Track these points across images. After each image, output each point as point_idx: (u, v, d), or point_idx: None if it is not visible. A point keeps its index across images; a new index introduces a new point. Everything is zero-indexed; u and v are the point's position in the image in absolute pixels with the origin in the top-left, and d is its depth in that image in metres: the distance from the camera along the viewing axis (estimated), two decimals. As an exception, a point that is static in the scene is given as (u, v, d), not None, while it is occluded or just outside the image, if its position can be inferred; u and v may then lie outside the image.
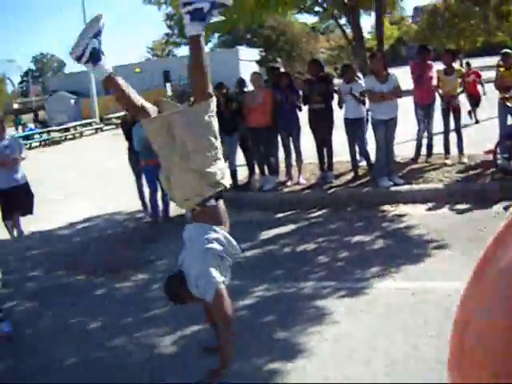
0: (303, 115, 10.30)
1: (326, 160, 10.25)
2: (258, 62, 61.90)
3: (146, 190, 9.68)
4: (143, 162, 9.22)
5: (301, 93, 10.25)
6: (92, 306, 6.25)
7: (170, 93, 28.84)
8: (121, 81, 3.92)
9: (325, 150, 10.20)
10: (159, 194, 9.49)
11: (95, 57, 3.75)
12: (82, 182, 14.22)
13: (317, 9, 17.45)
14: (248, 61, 56.76)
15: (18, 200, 9.36)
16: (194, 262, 3.80)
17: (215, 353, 4.10)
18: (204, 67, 3.99)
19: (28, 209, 9.58)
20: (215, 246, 3.83)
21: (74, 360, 5.08)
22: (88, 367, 4.89)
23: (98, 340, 5.35)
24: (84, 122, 36.64)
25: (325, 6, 15.42)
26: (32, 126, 41.28)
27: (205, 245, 3.79)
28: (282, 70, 12.27)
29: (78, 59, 3.73)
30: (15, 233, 9.69)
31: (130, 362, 4.77)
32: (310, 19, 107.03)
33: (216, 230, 3.88)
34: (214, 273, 3.79)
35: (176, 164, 3.91)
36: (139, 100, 3.96)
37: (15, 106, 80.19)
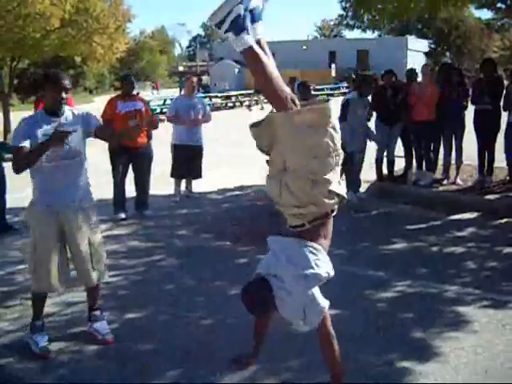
0: (468, 114, 9.96)
1: (486, 164, 9.88)
2: (426, 53, 60.46)
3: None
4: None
5: (470, 92, 9.93)
6: (233, 273, 6.38)
7: (333, 74, 28.71)
8: (264, 57, 3.23)
9: (486, 154, 9.82)
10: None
11: (237, 26, 3.12)
12: (237, 150, 14.54)
13: (499, 5, 16.66)
14: (416, 51, 55.59)
15: (191, 160, 9.81)
16: (296, 285, 3.45)
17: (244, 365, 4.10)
18: (272, 78, 3.23)
19: (197, 172, 10.05)
20: (321, 271, 3.46)
21: (209, 321, 5.25)
22: (220, 330, 5.05)
23: (234, 307, 5.48)
24: (246, 92, 37.37)
25: (508, 2, 14.73)
26: (196, 90, 42.69)
27: (311, 269, 3.42)
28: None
29: (218, 26, 3.13)
30: (182, 192, 10.20)
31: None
32: (484, 14, 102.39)
33: (320, 251, 3.50)
34: (321, 300, 3.55)
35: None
36: (283, 88, 3.26)
37: (180, 68, 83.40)
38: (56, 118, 4.66)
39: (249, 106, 32.80)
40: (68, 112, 4.76)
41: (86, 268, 4.82)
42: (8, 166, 8.53)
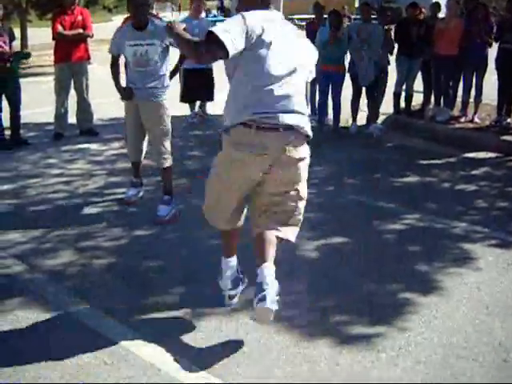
0: (491, 53, 9.73)
1: (505, 104, 9.69)
2: (453, -13, 58.84)
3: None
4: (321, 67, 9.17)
5: (495, 29, 9.67)
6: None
7: (357, 4, 27.99)
8: None
9: (506, 94, 9.61)
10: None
11: None
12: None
13: None
14: (443, -16, 54.10)
15: (203, 84, 9.70)
16: None
17: None
18: None
19: (209, 94, 9.97)
20: None
21: (217, 242, 5.20)
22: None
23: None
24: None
25: None
26: (215, 12, 41.90)
27: None
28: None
29: None
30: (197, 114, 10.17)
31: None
32: None
33: None
34: None
35: None
36: None
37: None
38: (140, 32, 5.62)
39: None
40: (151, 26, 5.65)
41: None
42: (26, 82, 8.55)
